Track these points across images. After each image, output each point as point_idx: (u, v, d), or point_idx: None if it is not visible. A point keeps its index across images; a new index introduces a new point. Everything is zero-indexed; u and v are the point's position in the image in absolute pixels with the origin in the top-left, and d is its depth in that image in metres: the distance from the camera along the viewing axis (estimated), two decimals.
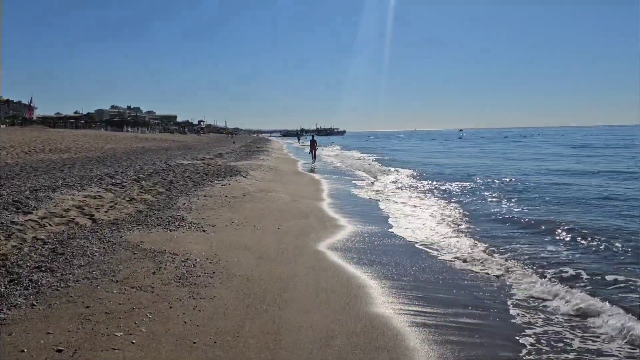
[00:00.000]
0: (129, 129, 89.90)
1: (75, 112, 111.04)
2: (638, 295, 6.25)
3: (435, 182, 19.44)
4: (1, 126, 65.99)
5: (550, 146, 56.12)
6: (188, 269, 6.22)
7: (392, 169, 26.74)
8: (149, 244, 7.31)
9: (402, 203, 13.90)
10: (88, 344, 4.05)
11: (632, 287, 6.59)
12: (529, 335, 5.08)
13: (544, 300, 6.15)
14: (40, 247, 6.78)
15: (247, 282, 6.09)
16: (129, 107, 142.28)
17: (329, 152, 50.37)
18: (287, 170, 23.92)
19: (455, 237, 9.53)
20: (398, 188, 17.75)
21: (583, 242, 9.19)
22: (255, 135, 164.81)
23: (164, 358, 3.97)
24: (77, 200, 10.19)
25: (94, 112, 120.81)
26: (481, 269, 7.41)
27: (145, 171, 16.76)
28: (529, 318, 5.56)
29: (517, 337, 5.03)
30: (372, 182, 20.06)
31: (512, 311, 5.77)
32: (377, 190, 17.08)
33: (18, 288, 5.20)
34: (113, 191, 11.99)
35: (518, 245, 8.99)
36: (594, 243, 9.02)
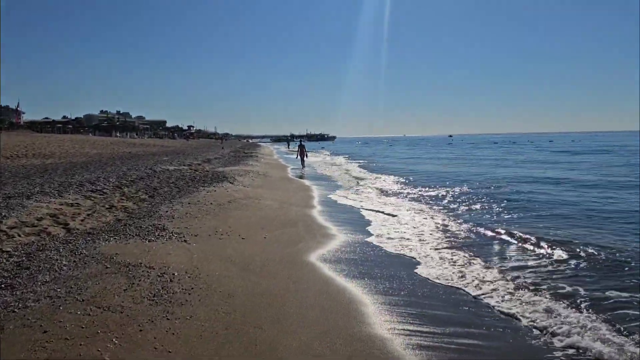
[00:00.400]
0: (118, 134, 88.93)
1: (64, 117, 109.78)
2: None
3: (424, 190, 19.02)
4: None
5: (539, 152, 56.15)
6: (164, 285, 5.73)
7: (382, 175, 26.29)
8: (124, 257, 6.80)
9: (391, 212, 13.45)
10: None
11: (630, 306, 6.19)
12: None
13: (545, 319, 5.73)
14: (4, 261, 6.26)
15: (229, 298, 5.61)
16: (118, 112, 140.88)
17: (317, 158, 49.96)
18: (276, 176, 23.43)
19: (449, 249, 9.09)
20: (388, 196, 17.30)
21: (578, 255, 8.80)
22: (245, 140, 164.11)
23: None
24: (52, 209, 9.65)
25: (82, 117, 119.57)
26: (476, 285, 6.98)
27: (129, 177, 16.20)
28: (532, 339, 5.13)
29: None
30: (361, 189, 19.61)
31: (511, 331, 5.34)
32: (367, 197, 16.65)
33: None
34: (92, 198, 11.45)
35: (513, 259, 8.58)
36: (585, 256, 8.63)
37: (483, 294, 6.43)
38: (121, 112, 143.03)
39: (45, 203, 10.04)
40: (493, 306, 6.01)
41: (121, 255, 6.85)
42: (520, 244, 9.28)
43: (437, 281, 7.01)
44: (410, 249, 8.93)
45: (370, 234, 10.22)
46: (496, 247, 9.18)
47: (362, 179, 24.24)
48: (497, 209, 13.60)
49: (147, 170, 19.18)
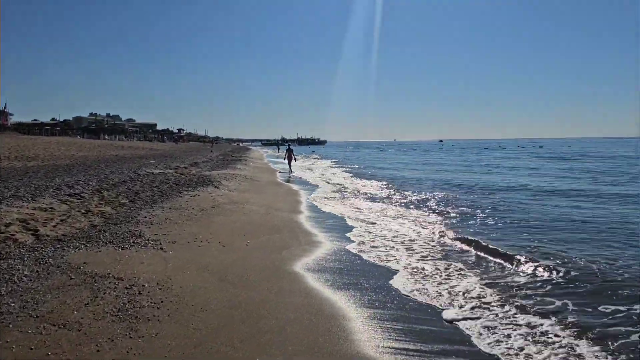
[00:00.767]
0: (106, 137, 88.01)
1: (52, 119, 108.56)
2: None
3: (412, 197, 18.65)
4: None
5: (530, 157, 56.20)
6: (131, 298, 5.30)
7: (371, 181, 25.92)
8: (93, 266, 6.37)
9: (378, 219, 13.08)
10: None
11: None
12: None
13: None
14: None
15: (201, 312, 5.20)
16: (108, 115, 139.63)
17: (306, 163, 49.62)
18: (264, 180, 23.02)
19: (434, 260, 8.71)
20: (376, 202, 16.91)
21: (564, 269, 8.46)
22: (236, 144, 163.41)
23: None
24: (24, 214, 9.18)
25: (71, 119, 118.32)
26: (463, 299, 6.62)
27: (111, 180, 15.72)
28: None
29: None
30: (349, 195, 19.23)
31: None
32: (355, 203, 16.28)
33: None
34: (68, 202, 10.98)
35: (496, 273, 8.23)
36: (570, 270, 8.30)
37: (463, 318, 6.07)
38: (111, 114, 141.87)
39: (16, 208, 9.56)
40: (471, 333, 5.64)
41: (89, 265, 6.42)
42: (505, 259, 8.49)
43: (420, 296, 6.64)
44: (397, 259, 8.54)
45: (355, 242, 9.84)
46: (478, 260, 8.73)
47: (350, 184, 23.82)
48: (483, 217, 12.99)
49: (130, 173, 18.69)
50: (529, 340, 5.08)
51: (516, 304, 6.21)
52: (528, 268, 7.86)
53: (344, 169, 38.47)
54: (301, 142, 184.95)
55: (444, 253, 8.96)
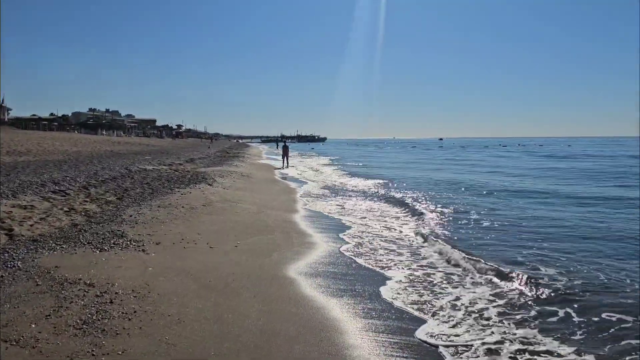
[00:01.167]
0: (104, 132, 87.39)
1: (51, 114, 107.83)
2: None
3: (411, 198, 18.13)
4: None
5: (530, 157, 55.74)
6: (100, 308, 4.81)
7: (370, 180, 25.42)
8: (64, 270, 5.88)
9: (376, 220, 12.60)
10: None
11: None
12: None
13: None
14: None
15: (177, 325, 4.71)
16: (107, 110, 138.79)
17: (304, 160, 49.17)
18: (260, 178, 22.52)
19: (431, 269, 8.22)
20: (375, 201, 16.39)
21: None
22: (235, 140, 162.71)
23: None
24: (1, 211, 8.68)
25: (70, 114, 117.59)
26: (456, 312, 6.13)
27: (100, 177, 15.22)
28: None
29: None
30: (347, 193, 18.74)
31: None
32: (352, 203, 15.79)
33: None
34: (51, 200, 10.48)
35: (493, 284, 7.73)
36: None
37: (453, 344, 5.58)
38: (110, 110, 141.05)
39: None
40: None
41: (61, 269, 5.92)
42: (500, 273, 7.29)
43: (415, 308, 6.16)
44: (394, 263, 8.08)
45: (350, 243, 9.36)
46: (472, 266, 8.24)
47: (346, 183, 23.27)
48: (479, 220, 12.11)
49: (122, 169, 18.18)
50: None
51: (516, 317, 5.71)
52: (525, 279, 7.32)
53: (341, 166, 37.92)
54: (301, 139, 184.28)
55: (440, 259, 8.43)
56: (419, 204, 15.00)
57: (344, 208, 14.20)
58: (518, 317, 5.63)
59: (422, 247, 9.27)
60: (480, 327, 5.30)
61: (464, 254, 8.27)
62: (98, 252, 6.94)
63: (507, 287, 6.74)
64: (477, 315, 5.67)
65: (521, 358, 4.59)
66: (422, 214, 13.01)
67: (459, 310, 5.85)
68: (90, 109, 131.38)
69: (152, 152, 38.52)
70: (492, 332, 5.17)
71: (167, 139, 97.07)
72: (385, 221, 12.13)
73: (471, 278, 7.18)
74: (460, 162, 44.44)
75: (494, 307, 5.96)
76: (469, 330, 5.22)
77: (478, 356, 4.61)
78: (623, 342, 4.95)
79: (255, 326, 4.90)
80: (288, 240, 9.26)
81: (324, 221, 11.76)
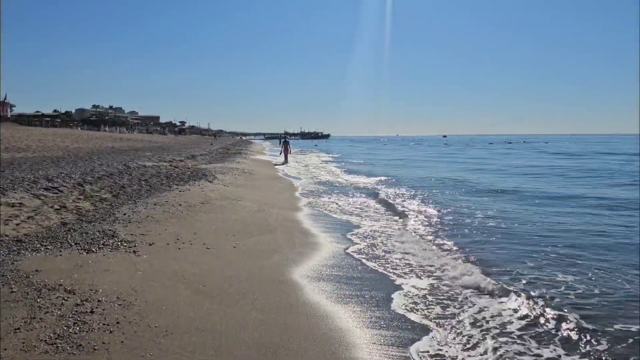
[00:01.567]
0: (107, 129, 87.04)
1: (55, 111, 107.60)
2: None
3: (416, 197, 17.59)
4: None
5: (537, 155, 55.04)
6: (79, 319, 4.32)
7: (373, 178, 24.87)
8: (45, 275, 5.39)
9: (381, 219, 12.07)
10: None
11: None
12: None
13: None
14: None
15: (165, 337, 4.22)
16: (110, 107, 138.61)
17: (307, 157, 48.70)
18: (262, 174, 22.02)
19: (435, 280, 7.68)
20: (379, 202, 15.84)
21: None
22: (238, 137, 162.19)
23: None
24: None
25: (73, 111, 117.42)
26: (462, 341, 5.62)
27: (97, 173, 14.74)
28: None
29: None
30: (350, 192, 18.21)
31: None
32: (356, 201, 15.28)
33: None
34: (42, 197, 10.01)
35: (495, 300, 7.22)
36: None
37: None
38: (114, 107, 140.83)
39: None
40: None
41: (41, 273, 5.44)
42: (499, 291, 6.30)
43: (429, 321, 5.65)
44: (401, 268, 7.57)
45: (356, 244, 8.85)
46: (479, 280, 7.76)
47: (350, 180, 22.71)
48: (481, 224, 11.21)
49: (120, 166, 17.71)
50: None
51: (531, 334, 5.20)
52: (534, 295, 6.79)
53: (343, 164, 37.33)
54: (304, 135, 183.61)
55: (448, 267, 7.89)
56: (424, 205, 14.47)
57: (348, 206, 13.66)
58: (540, 334, 5.12)
59: (430, 250, 8.75)
60: (498, 346, 4.78)
61: (476, 267, 7.76)
62: (85, 253, 6.45)
63: (522, 303, 6.22)
64: (497, 331, 5.14)
65: None
66: (428, 215, 12.50)
67: (472, 324, 5.35)
68: (93, 106, 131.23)
69: (154, 148, 38.07)
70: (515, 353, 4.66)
71: (169, 136, 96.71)
72: (392, 221, 11.61)
73: (483, 292, 6.66)
74: (465, 160, 43.64)
75: (514, 322, 5.45)
76: (485, 352, 4.71)
77: None
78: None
79: (251, 338, 4.41)
80: (290, 240, 8.76)
81: (327, 220, 11.25)
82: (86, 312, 4.47)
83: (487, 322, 5.28)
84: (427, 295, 6.11)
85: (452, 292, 6.25)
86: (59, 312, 4.37)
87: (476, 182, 21.58)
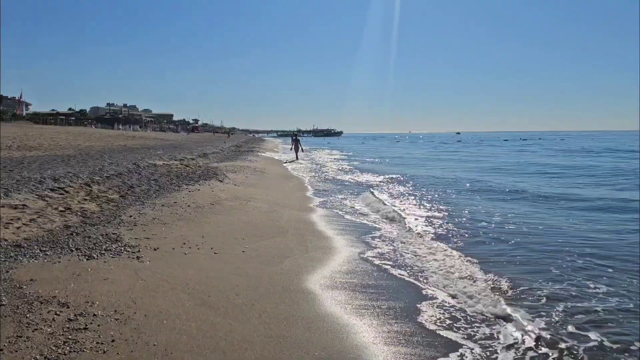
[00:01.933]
0: (120, 127, 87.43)
1: (70, 109, 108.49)
2: None
3: (432, 199, 17.12)
4: None
5: (554, 152, 54.00)
6: (70, 337, 3.95)
7: (387, 176, 24.39)
8: (39, 285, 5.04)
9: (400, 220, 11.60)
10: None
11: None
12: None
13: None
14: None
15: (163, 358, 3.84)
16: (124, 105, 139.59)
17: (316, 155, 48.30)
18: (273, 173, 21.65)
19: (475, 282, 7.23)
20: (397, 201, 15.38)
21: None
22: (251, 135, 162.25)
23: None
24: None
25: (88, 109, 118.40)
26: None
27: (105, 172, 14.46)
28: None
29: None
30: (364, 192, 17.74)
31: None
32: (372, 201, 14.82)
33: None
34: (47, 198, 9.71)
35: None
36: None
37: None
38: (128, 105, 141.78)
39: None
40: None
41: (36, 283, 5.09)
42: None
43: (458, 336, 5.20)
44: (430, 276, 7.13)
45: (374, 248, 8.41)
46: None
47: (364, 179, 22.25)
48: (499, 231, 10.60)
49: (129, 165, 17.44)
50: None
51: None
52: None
53: (355, 162, 36.84)
54: (316, 133, 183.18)
55: (476, 277, 7.45)
56: (442, 206, 13.97)
57: (361, 207, 13.21)
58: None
59: (449, 256, 8.29)
60: None
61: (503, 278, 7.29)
62: (85, 260, 6.11)
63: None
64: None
65: None
66: (446, 218, 12.02)
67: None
68: (108, 104, 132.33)
69: (166, 146, 37.89)
70: None
71: (182, 134, 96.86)
72: (407, 223, 11.15)
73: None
74: (481, 158, 42.72)
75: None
76: None
77: None
78: None
79: (259, 358, 4.01)
80: (302, 243, 8.36)
81: (341, 221, 10.82)
82: (79, 328, 4.10)
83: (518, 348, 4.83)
84: (454, 310, 5.67)
85: (475, 309, 5.80)
86: (49, 330, 4.00)
87: (494, 182, 20.50)
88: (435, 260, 7.66)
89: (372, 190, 16.57)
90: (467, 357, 4.39)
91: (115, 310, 4.58)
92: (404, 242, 8.88)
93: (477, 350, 4.54)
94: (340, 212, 12.10)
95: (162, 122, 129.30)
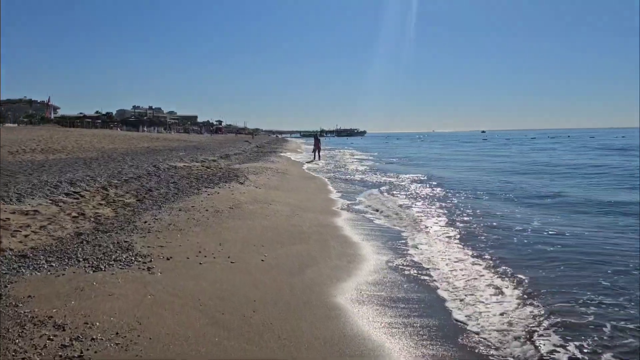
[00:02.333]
0: (145, 129, 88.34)
1: (96, 112, 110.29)
2: None
3: (466, 205, 16.37)
4: (14, 125, 64.85)
5: (587, 150, 52.20)
6: None
7: (412, 176, 23.62)
8: (37, 302, 4.59)
9: (431, 227, 10.94)
10: None
11: None
12: None
13: None
14: None
15: None
16: (150, 107, 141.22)
17: (337, 155, 47.68)
18: (295, 174, 21.15)
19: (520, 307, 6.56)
20: (425, 205, 14.68)
21: None
22: (274, 135, 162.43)
23: None
24: None
25: (114, 112, 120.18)
26: None
27: (124, 175, 14.16)
28: None
29: None
30: (392, 195, 17.08)
31: None
32: (399, 205, 14.17)
33: None
34: (61, 203, 9.37)
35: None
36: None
37: None
38: (153, 107, 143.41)
39: None
40: None
41: (34, 301, 4.64)
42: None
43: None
44: (463, 291, 6.49)
45: (405, 257, 7.76)
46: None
47: (388, 180, 21.50)
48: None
49: (149, 167, 17.14)
50: None
51: None
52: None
53: (379, 162, 36.04)
54: (339, 133, 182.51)
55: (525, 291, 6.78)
56: (472, 211, 13.22)
57: (387, 210, 12.50)
58: None
59: (486, 268, 7.62)
60: None
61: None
62: (92, 272, 5.66)
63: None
64: None
65: None
66: (479, 225, 11.31)
67: None
68: (134, 107, 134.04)
69: (188, 147, 37.77)
70: None
71: (205, 135, 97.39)
72: (438, 227, 10.48)
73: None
74: (509, 158, 41.10)
75: None
76: None
77: None
78: None
79: None
80: (325, 250, 7.80)
81: (366, 226, 10.20)
82: (72, 357, 3.62)
83: None
84: (503, 330, 5.04)
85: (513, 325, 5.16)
86: (38, 359, 3.53)
87: (527, 184, 18.78)
88: (465, 270, 7.01)
89: (397, 192, 15.90)
90: None
91: (117, 333, 4.09)
92: (434, 249, 8.25)
93: None
94: (365, 216, 11.49)
95: (187, 123, 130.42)
